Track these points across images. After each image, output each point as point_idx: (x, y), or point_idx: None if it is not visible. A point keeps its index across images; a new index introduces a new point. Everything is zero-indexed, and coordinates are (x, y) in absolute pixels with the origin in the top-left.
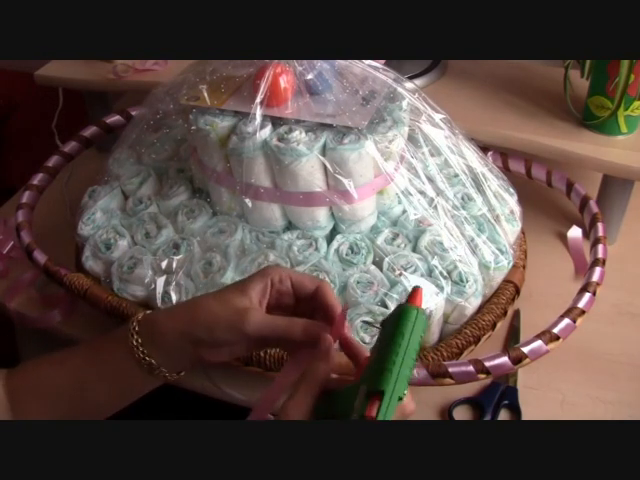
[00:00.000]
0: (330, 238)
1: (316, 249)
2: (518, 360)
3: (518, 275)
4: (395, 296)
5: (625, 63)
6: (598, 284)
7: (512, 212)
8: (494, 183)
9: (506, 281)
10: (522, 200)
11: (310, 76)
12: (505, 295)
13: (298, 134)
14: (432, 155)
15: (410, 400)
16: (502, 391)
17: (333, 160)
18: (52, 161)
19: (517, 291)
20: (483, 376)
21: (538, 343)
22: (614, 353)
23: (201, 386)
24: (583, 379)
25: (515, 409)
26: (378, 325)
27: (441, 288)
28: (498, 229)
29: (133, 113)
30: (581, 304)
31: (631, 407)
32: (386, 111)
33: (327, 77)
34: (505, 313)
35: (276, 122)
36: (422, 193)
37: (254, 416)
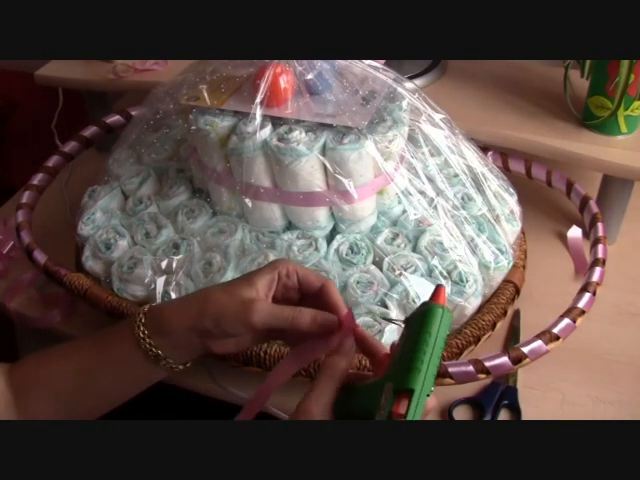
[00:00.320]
0: (330, 238)
1: (316, 249)
2: (518, 360)
3: (518, 275)
4: (395, 296)
5: (625, 63)
6: (598, 284)
7: (512, 212)
8: (494, 183)
9: (506, 281)
10: (522, 200)
11: (310, 76)
12: (505, 295)
13: (298, 134)
14: (432, 155)
15: (432, 396)
16: (502, 391)
17: (333, 160)
18: (52, 161)
19: (517, 291)
20: (483, 376)
21: (538, 343)
22: (614, 353)
23: (203, 386)
24: (583, 379)
25: (515, 409)
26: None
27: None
28: (498, 229)
29: (133, 113)
30: (581, 304)
31: (631, 407)
32: (386, 111)
33: (327, 77)
34: (505, 313)
35: (276, 122)
36: (422, 193)
37: (247, 410)
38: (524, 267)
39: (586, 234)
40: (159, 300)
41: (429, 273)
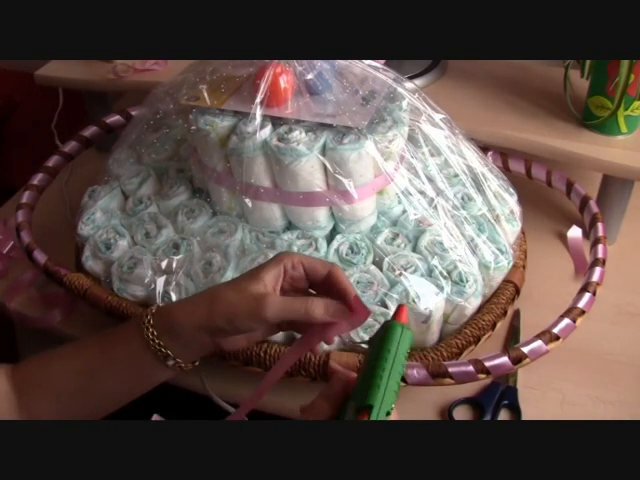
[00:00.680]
0: (330, 238)
1: (316, 249)
2: (518, 360)
3: (518, 275)
4: (395, 296)
5: (625, 63)
6: (598, 284)
7: (512, 212)
8: (494, 183)
9: (506, 281)
10: (522, 200)
11: (310, 76)
12: (505, 295)
13: (298, 134)
14: (432, 155)
15: (395, 414)
16: (502, 391)
17: (333, 160)
18: (52, 161)
19: (517, 291)
20: (483, 376)
21: (538, 343)
22: (614, 353)
23: (202, 387)
24: (583, 379)
25: (515, 409)
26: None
27: (441, 288)
28: (498, 229)
29: (133, 113)
30: (581, 304)
31: (631, 407)
32: (386, 111)
33: (327, 77)
34: (505, 313)
35: (276, 122)
36: (422, 193)
37: (244, 407)
38: (524, 267)
39: (586, 234)
40: (159, 300)
41: (429, 273)
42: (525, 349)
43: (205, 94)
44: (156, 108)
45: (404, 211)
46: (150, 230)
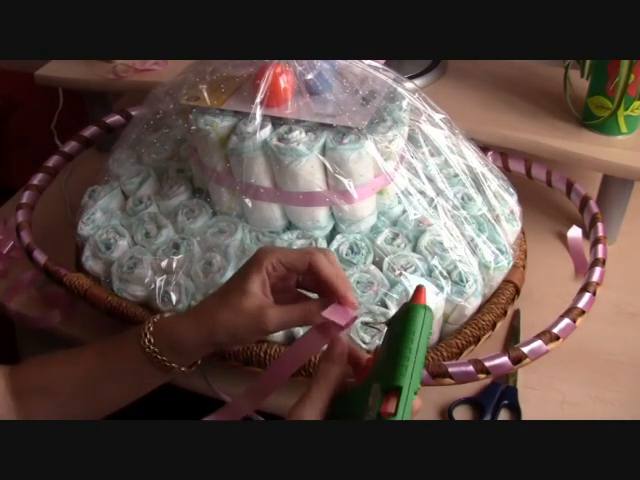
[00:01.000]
0: (330, 238)
1: None
2: (518, 360)
3: (518, 275)
4: (395, 296)
5: (625, 63)
6: (598, 284)
7: (512, 212)
8: (494, 183)
9: (506, 281)
10: (522, 200)
11: (310, 76)
12: (505, 295)
13: (298, 134)
14: (432, 155)
15: (417, 397)
16: (502, 391)
17: (333, 160)
18: (52, 161)
19: (517, 291)
20: (483, 376)
21: (538, 343)
22: (614, 353)
23: (202, 387)
24: (583, 379)
25: (515, 409)
26: (377, 326)
27: (441, 288)
28: (498, 229)
29: (133, 113)
30: (581, 304)
31: (631, 407)
32: (386, 111)
33: (327, 77)
34: (505, 313)
35: (276, 122)
36: (422, 193)
37: (232, 408)
38: (524, 267)
39: (586, 234)
40: (159, 300)
41: (429, 273)
42: (525, 349)
43: (205, 94)
44: (156, 108)
45: (404, 211)
46: (150, 230)
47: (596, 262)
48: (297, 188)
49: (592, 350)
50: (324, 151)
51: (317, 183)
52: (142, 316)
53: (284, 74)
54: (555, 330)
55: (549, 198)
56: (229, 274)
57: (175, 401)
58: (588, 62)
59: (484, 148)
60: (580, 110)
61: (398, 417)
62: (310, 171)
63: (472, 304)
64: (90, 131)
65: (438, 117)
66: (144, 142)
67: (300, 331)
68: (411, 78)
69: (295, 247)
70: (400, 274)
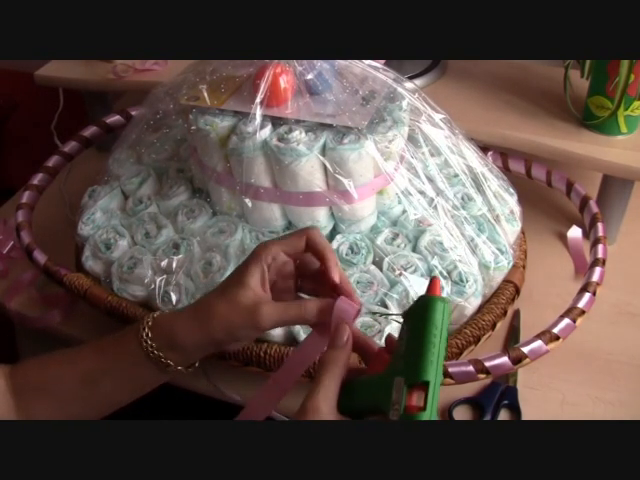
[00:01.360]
0: (330, 238)
1: None
2: (518, 360)
3: (518, 275)
4: (395, 296)
5: (625, 63)
6: (598, 284)
7: (512, 212)
8: (494, 183)
9: (506, 281)
10: (522, 200)
11: (310, 76)
12: (505, 295)
13: (298, 134)
14: (432, 155)
15: None
16: (502, 391)
17: (333, 160)
18: (52, 161)
19: (517, 291)
20: (483, 376)
21: (538, 343)
22: (614, 353)
23: (203, 387)
24: (583, 379)
25: (515, 409)
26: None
27: (441, 288)
28: (498, 229)
29: (133, 113)
30: (581, 304)
31: (631, 407)
32: (386, 111)
33: (327, 77)
34: (505, 313)
35: (276, 122)
36: (422, 193)
37: (273, 380)
38: (524, 267)
39: (586, 234)
40: (159, 300)
41: (429, 273)
42: (525, 349)
43: (205, 94)
44: (156, 108)
45: (404, 211)
46: (150, 230)
47: (596, 262)
48: (297, 188)
49: (592, 350)
50: (324, 151)
51: (317, 183)
52: (142, 316)
53: (284, 74)
54: (555, 330)
55: (549, 198)
56: (229, 274)
57: (175, 401)
58: (588, 62)
59: (484, 148)
60: (580, 110)
61: (427, 411)
62: (310, 171)
63: (472, 304)
64: (90, 131)
65: (438, 117)
66: (144, 142)
67: (300, 331)
68: (411, 78)
69: None
70: (400, 274)
